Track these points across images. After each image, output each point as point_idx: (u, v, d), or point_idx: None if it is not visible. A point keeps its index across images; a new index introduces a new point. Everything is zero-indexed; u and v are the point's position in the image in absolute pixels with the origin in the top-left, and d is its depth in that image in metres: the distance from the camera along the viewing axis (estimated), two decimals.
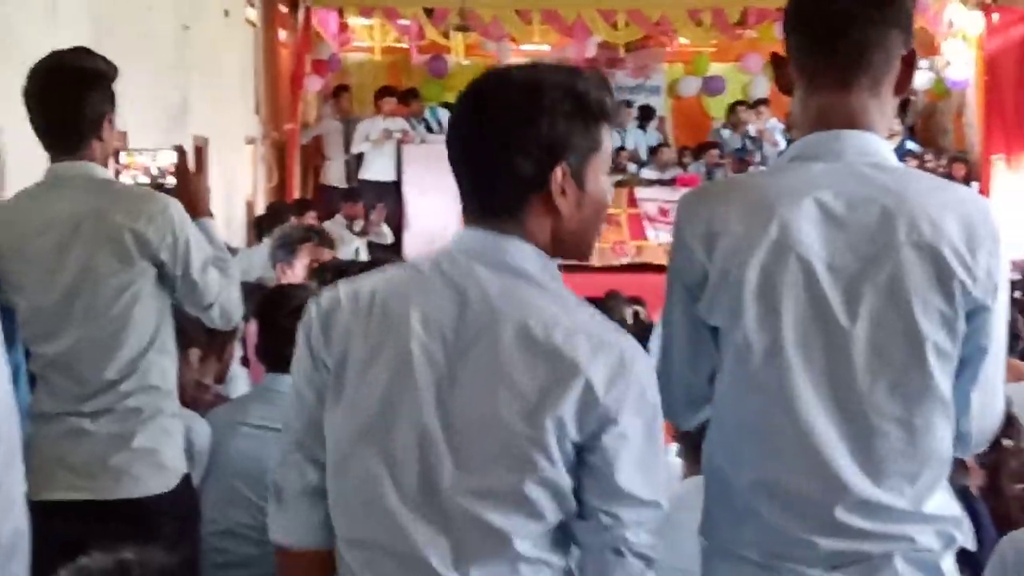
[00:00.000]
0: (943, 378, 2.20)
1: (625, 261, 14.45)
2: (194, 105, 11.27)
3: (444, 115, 16.10)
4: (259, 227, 10.91)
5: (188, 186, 3.87)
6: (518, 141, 2.07)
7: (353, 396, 2.12)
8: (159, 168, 3.95)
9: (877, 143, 2.25)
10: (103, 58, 3.64)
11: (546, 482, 2.04)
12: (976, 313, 2.18)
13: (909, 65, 2.27)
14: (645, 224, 14.47)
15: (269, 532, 2.33)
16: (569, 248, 2.17)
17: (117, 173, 3.94)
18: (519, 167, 2.08)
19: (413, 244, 13.99)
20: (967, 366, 2.24)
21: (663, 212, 14.48)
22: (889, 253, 2.15)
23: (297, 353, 2.23)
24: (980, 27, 15.01)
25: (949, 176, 14.63)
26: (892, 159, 2.25)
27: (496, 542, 2.05)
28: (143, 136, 9.46)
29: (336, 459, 2.17)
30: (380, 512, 2.09)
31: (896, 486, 2.21)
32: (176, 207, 3.59)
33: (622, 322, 8.30)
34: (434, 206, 14.24)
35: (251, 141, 14.05)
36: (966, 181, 14.49)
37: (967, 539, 2.31)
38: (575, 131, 2.08)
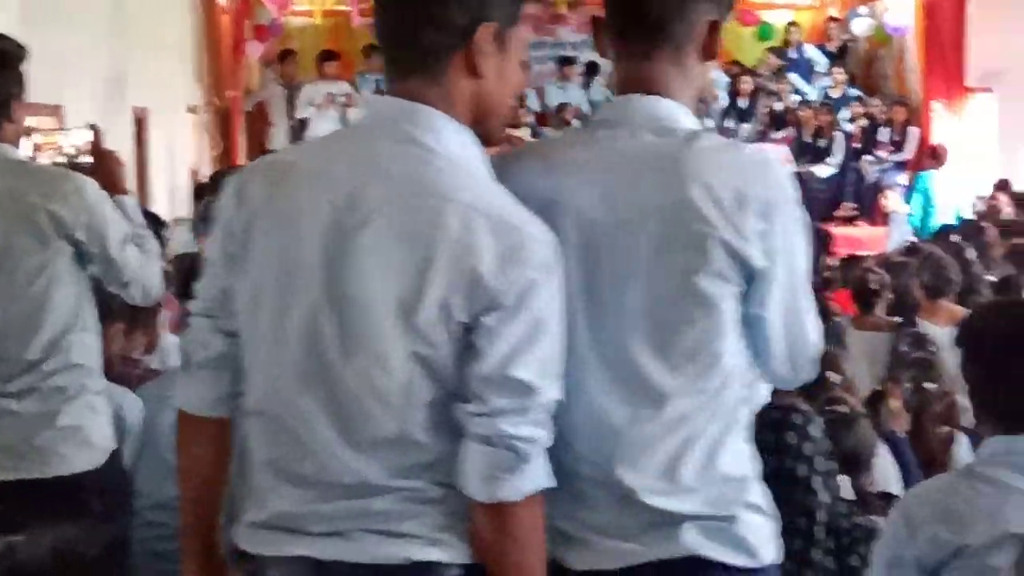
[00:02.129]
0: (718, 336, 2.20)
1: None
2: (132, 75, 11.20)
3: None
4: (200, 196, 10.86)
5: (104, 164, 3.88)
6: None
7: (256, 265, 2.13)
8: (74, 147, 3.95)
9: (669, 108, 2.26)
10: (9, 38, 3.64)
11: (426, 362, 2.03)
12: (756, 275, 2.19)
13: (715, 31, 2.28)
14: None
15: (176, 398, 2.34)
16: (482, 121, 2.17)
17: (33, 155, 3.94)
18: (449, 14, 2.08)
19: None
20: (758, 323, 2.25)
21: None
22: (657, 215, 2.16)
23: (216, 221, 2.23)
24: None
25: (889, 121, 14.75)
26: (685, 122, 2.26)
27: (381, 421, 2.06)
28: (80, 109, 9.41)
29: (244, 328, 2.18)
30: (277, 384, 2.12)
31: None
32: (91, 186, 3.60)
33: None
34: None
35: (193, 109, 13.98)
36: (905, 125, 14.61)
37: (762, 498, 2.31)
38: None
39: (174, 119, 13.03)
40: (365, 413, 2.07)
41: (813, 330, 2.33)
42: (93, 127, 4.00)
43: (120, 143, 10.85)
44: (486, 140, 2.19)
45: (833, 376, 5.00)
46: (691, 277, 2.15)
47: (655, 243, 2.16)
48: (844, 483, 4.03)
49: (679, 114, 2.27)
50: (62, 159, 3.95)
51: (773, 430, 3.90)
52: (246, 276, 2.15)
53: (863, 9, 16.58)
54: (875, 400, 5.51)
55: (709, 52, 2.30)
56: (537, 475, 2.07)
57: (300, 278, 2.08)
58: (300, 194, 2.10)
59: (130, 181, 11.01)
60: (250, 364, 2.19)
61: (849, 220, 14.62)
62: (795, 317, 2.28)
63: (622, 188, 2.19)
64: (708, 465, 2.21)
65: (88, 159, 3.94)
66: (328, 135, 2.31)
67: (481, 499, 2.06)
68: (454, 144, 2.11)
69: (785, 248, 2.20)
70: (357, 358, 2.05)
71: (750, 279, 2.19)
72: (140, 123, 11.66)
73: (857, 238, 14.01)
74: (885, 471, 4.65)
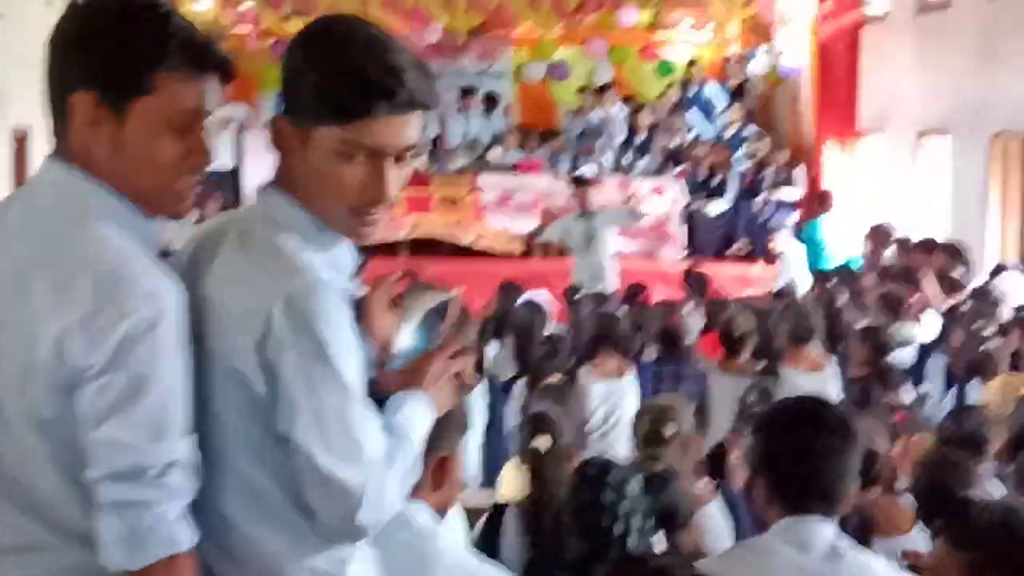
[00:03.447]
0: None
1: (468, 240, 14.43)
2: (13, 95, 11.02)
3: None
4: None
5: None
6: (64, 55, 2.08)
7: None
8: None
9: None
10: None
11: (51, 429, 2.00)
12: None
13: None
14: (486, 211, 14.49)
15: None
16: (127, 190, 2.11)
17: None
18: (51, 83, 2.09)
19: None
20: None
21: (505, 198, 14.54)
22: None
23: None
24: (813, 14, 15.27)
25: (769, 162, 14.81)
26: None
27: (35, 488, 2.04)
28: None
29: None
30: None
31: None
32: None
33: None
34: None
35: None
36: (789, 167, 14.73)
37: None
38: (116, 63, 2.06)
39: None
40: (21, 480, 2.03)
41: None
42: None
43: None
44: (147, 207, 2.14)
45: (669, 428, 4.98)
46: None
47: None
48: (660, 540, 4.00)
49: None
50: None
51: (590, 488, 3.86)
52: None
53: (761, 48, 16.74)
54: (720, 451, 5.51)
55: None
56: (168, 539, 1.99)
57: None
58: None
59: None
60: None
61: (741, 258, 14.72)
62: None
63: None
64: None
65: None
66: None
67: (113, 566, 1.99)
68: (92, 208, 2.07)
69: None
70: (6, 430, 2.03)
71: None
72: (21, 143, 11.47)
73: (748, 276, 14.13)
74: (716, 527, 4.63)
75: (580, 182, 11.73)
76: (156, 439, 1.97)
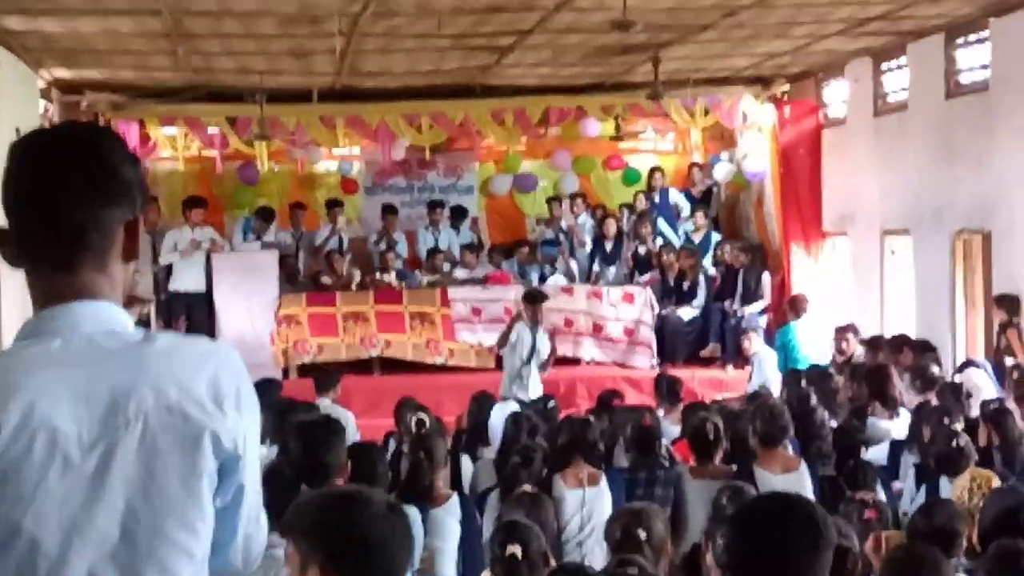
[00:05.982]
0: (198, 535, 2.21)
1: (439, 361, 14.53)
2: None
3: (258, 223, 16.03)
4: None
5: None
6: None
7: None
8: None
9: (111, 311, 2.23)
10: None
11: None
12: (229, 462, 2.21)
13: (132, 233, 2.27)
14: (456, 326, 14.51)
15: None
16: None
17: None
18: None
19: None
20: (228, 509, 2.28)
21: (475, 312, 14.58)
22: (137, 419, 2.13)
23: None
24: (773, 120, 15.50)
25: (736, 267, 14.91)
26: (128, 325, 2.25)
27: None
28: None
29: None
30: None
31: None
32: None
33: (407, 429, 8.29)
34: (245, 313, 14.25)
35: None
36: (751, 267, 14.84)
37: None
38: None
39: None
40: None
41: (264, 521, 2.41)
42: None
43: None
44: None
45: (642, 532, 4.99)
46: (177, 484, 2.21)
47: (141, 451, 2.16)
48: None
49: (123, 318, 2.25)
50: None
51: None
52: None
53: (724, 155, 16.96)
54: (695, 555, 5.51)
55: (129, 253, 2.28)
56: None
57: None
58: None
59: None
60: None
61: (713, 361, 14.76)
62: (256, 500, 2.37)
63: (95, 397, 2.15)
64: None
65: None
66: None
67: None
68: None
69: (252, 428, 2.29)
70: None
71: (224, 468, 2.25)
72: None
73: (721, 380, 14.16)
74: None
75: (531, 299, 12.23)
76: None
